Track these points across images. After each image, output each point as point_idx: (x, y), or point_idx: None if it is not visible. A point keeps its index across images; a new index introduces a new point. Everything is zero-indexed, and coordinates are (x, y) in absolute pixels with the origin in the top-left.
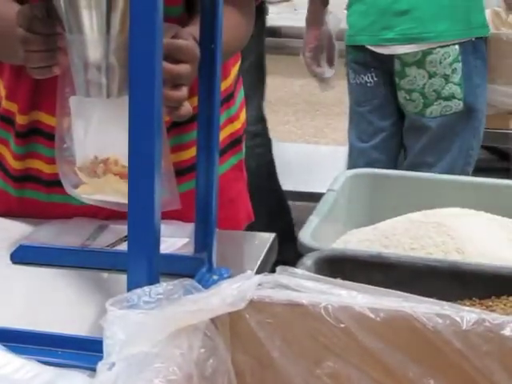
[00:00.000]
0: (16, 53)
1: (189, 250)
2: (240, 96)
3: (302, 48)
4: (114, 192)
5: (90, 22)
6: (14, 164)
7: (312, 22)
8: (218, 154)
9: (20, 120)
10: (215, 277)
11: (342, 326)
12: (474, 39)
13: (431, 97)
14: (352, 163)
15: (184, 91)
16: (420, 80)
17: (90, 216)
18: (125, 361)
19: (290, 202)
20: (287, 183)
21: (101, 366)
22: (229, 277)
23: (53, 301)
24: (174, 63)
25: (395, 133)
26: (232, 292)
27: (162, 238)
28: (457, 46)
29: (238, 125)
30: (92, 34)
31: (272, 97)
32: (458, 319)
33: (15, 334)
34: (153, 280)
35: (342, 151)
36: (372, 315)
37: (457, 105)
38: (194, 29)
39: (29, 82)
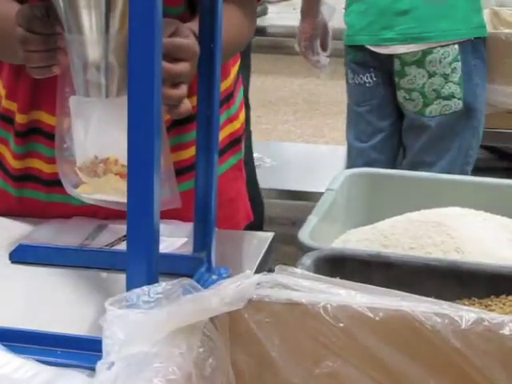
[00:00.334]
0: (16, 52)
1: (188, 250)
2: (239, 96)
3: (297, 36)
4: (114, 191)
5: (89, 21)
6: (13, 163)
7: (307, 13)
8: (218, 153)
9: (20, 119)
10: (214, 276)
11: (341, 325)
12: (473, 39)
13: (431, 96)
14: (351, 163)
15: (183, 89)
16: (420, 79)
17: (90, 216)
18: (124, 360)
19: (290, 202)
20: (286, 183)
21: (100, 365)
22: (228, 276)
23: (52, 300)
24: (173, 62)
25: (394, 133)
26: (231, 291)
27: (161, 238)
28: (456, 46)
29: (237, 124)
30: (91, 34)
31: (272, 96)
32: (457, 318)
33: (14, 333)
34: (152, 279)
35: (341, 151)
36: (371, 314)
37: (456, 104)
38: (194, 24)
39: (28, 81)
